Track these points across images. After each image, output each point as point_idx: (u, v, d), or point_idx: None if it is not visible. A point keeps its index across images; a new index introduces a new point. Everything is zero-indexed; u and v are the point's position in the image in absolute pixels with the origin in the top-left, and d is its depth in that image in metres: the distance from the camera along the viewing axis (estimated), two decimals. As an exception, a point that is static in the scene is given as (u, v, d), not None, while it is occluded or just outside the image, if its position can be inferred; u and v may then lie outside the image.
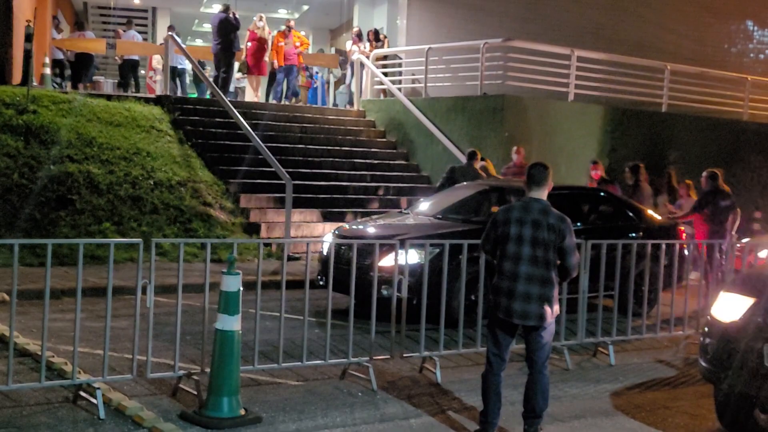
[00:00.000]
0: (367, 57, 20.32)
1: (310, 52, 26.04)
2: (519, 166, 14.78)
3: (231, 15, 19.15)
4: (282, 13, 30.07)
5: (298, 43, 21.19)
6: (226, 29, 19.07)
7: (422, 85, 18.91)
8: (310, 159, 16.94)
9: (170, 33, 20.27)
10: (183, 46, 19.76)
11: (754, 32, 24.23)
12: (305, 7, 28.96)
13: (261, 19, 20.06)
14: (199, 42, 34.23)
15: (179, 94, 20.47)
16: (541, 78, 17.46)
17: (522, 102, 17.07)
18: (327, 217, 15.31)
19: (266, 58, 20.37)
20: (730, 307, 6.62)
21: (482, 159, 14.80)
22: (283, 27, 21.75)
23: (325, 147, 17.65)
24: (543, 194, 6.34)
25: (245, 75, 20.97)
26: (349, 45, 21.68)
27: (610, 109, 18.17)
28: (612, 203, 11.88)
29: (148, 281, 6.58)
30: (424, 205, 11.93)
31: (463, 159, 15.32)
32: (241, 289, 6.44)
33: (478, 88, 17.30)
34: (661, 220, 12.29)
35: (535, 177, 6.33)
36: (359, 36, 21.49)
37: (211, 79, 18.51)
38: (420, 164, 18.06)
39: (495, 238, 6.37)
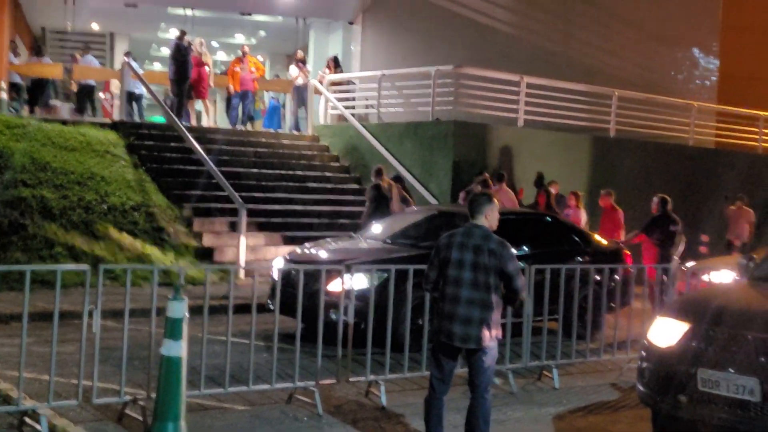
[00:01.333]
0: (321, 82, 20.46)
1: (267, 77, 26.18)
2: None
3: (185, 42, 19.16)
4: (239, 39, 30.12)
5: (253, 69, 21.22)
6: (181, 55, 19.06)
7: (375, 110, 19.05)
8: (264, 183, 16.96)
9: (126, 59, 20.25)
10: (139, 71, 19.74)
11: (699, 59, 24.74)
12: (262, 33, 29.06)
13: (201, 44, 20.06)
14: (157, 66, 34.17)
15: (136, 118, 20.41)
16: (491, 104, 17.67)
17: (472, 127, 17.26)
18: (280, 241, 15.31)
19: (211, 83, 20.37)
20: (665, 332, 6.73)
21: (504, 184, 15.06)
22: (239, 53, 21.82)
23: (279, 171, 17.68)
24: (484, 222, 6.45)
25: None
26: (293, 70, 21.73)
27: (559, 135, 18.42)
28: (558, 228, 12.03)
29: (95, 307, 6.56)
30: (375, 229, 12.00)
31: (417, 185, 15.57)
32: (187, 315, 6.44)
33: (430, 113, 17.47)
34: (606, 243, 12.47)
35: (477, 206, 6.46)
36: (303, 61, 21.56)
37: (167, 105, 18.48)
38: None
39: (439, 263, 6.46)
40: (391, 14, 22.13)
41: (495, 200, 6.57)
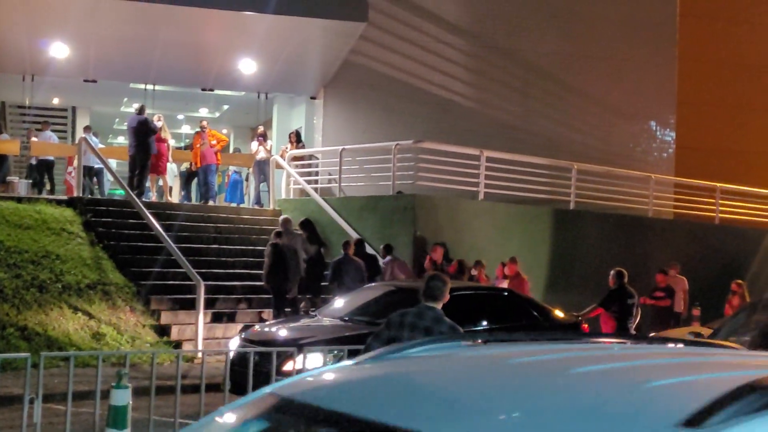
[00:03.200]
0: (283, 156, 20.57)
1: (230, 149, 26.27)
2: (436, 263, 15.05)
3: (149, 118, 19.24)
4: (203, 113, 30.27)
5: (214, 141, 21.27)
6: (143, 132, 19.09)
7: (337, 184, 19.15)
8: (224, 259, 16.87)
9: (84, 135, 20.27)
10: (96, 147, 19.73)
11: (656, 132, 25.22)
12: (225, 107, 29.21)
13: (159, 119, 20.16)
14: (121, 140, 34.16)
15: (96, 193, 20.31)
16: (451, 177, 17.84)
17: (432, 201, 17.38)
18: (240, 317, 15.17)
19: (170, 158, 20.41)
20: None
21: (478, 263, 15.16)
22: (198, 128, 21.91)
23: (239, 247, 17.61)
24: (438, 304, 6.51)
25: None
26: (254, 146, 21.82)
27: (519, 207, 18.59)
28: (516, 302, 12.05)
29: (35, 396, 6.42)
30: (333, 306, 11.95)
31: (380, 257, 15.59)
32: (130, 402, 6.33)
33: (391, 187, 17.58)
34: (564, 317, 12.50)
35: (432, 290, 6.51)
36: (263, 136, 21.69)
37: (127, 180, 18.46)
38: (335, 263, 18.15)
39: (387, 339, 6.45)
40: (352, 89, 22.37)
41: (449, 282, 6.63)
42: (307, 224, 16.79)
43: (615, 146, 24.31)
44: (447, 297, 6.57)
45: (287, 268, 14.52)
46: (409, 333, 6.36)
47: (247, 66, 21.96)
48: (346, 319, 11.14)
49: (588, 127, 24.09)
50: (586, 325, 12.68)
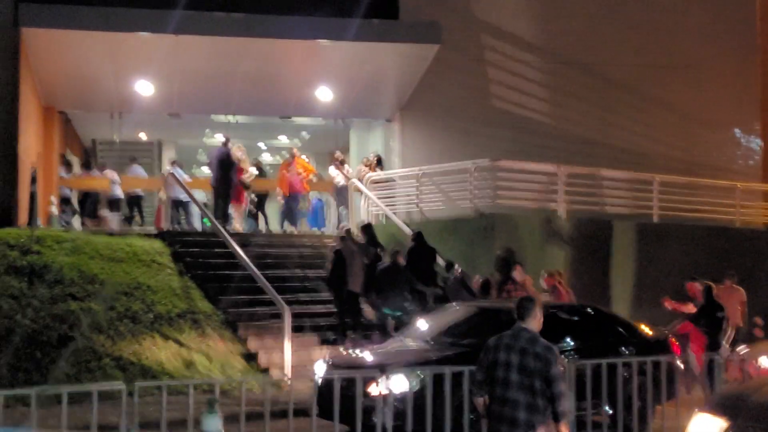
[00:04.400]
0: (361, 180, 20.88)
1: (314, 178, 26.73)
2: (520, 284, 15.07)
3: (230, 150, 19.77)
4: (283, 141, 30.82)
5: (301, 170, 21.64)
6: (224, 164, 19.62)
7: (416, 207, 19.33)
8: (308, 285, 17.19)
9: (170, 168, 20.89)
10: (182, 179, 20.32)
11: (741, 139, 24.69)
12: (304, 134, 29.69)
13: (240, 150, 20.69)
14: (205, 170, 34.97)
15: (185, 225, 20.89)
16: (530, 196, 17.85)
17: (512, 220, 17.40)
18: (325, 342, 15.43)
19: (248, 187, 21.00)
20: (704, 428, 6.65)
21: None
22: (287, 155, 22.31)
23: (323, 272, 17.92)
24: (531, 324, 6.79)
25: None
26: (332, 171, 22.12)
27: (600, 223, 18.43)
28: (601, 319, 11.96)
29: (132, 426, 6.71)
30: (417, 328, 12.07)
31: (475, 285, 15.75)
32: (222, 429, 6.55)
33: (470, 207, 17.65)
34: (652, 333, 12.34)
35: (523, 310, 6.81)
36: (342, 162, 21.98)
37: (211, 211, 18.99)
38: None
39: (487, 364, 6.71)
40: (427, 111, 22.54)
41: (538, 302, 6.93)
42: (366, 229, 17.22)
43: (698, 156, 23.87)
44: (540, 316, 6.84)
45: (346, 270, 15.56)
46: (506, 354, 6.65)
47: (324, 93, 22.34)
48: (430, 341, 11.24)
49: (670, 138, 23.73)
50: (675, 341, 12.51)
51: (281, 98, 22.78)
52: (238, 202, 20.72)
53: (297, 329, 15.26)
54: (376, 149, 24.34)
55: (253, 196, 22.60)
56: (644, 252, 18.66)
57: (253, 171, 21.06)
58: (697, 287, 14.34)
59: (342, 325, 15.67)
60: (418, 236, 16.53)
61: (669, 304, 14.86)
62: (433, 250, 16.66)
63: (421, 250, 16.38)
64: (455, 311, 12.34)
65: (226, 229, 17.66)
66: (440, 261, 16.63)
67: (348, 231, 16.95)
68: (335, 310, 15.91)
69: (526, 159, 18.97)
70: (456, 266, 16.02)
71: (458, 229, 17.72)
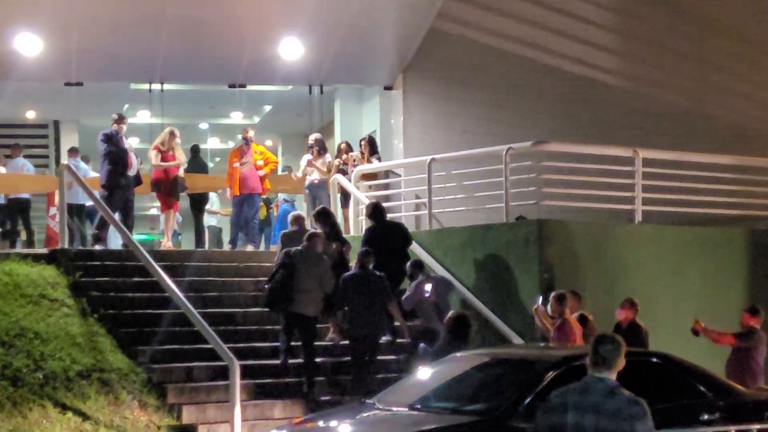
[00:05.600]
0: (345, 173, 21.17)
1: (279, 169, 26.77)
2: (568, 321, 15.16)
3: (117, 134, 19.89)
4: (236, 119, 31.04)
5: (260, 162, 21.73)
6: (114, 155, 19.76)
7: (426, 211, 19.48)
8: (268, 328, 17.31)
9: (70, 159, 21.05)
10: (86, 176, 20.49)
11: None
12: (266, 108, 29.87)
13: (173, 136, 20.83)
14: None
15: (94, 244, 20.92)
16: (591, 193, 18.00)
17: (566, 228, 17.56)
18: (289, 408, 15.54)
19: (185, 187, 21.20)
20: None
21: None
22: (240, 139, 22.34)
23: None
24: (611, 374, 7.03)
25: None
26: (303, 161, 22.25)
27: (697, 231, 18.55)
28: (672, 371, 11.90)
29: None
30: (397, 390, 12.06)
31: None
32: None
33: (503, 211, 17.84)
34: (747, 391, 12.37)
35: (602, 356, 7.05)
36: (320, 147, 22.06)
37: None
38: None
39: (550, 428, 6.96)
40: (442, 72, 22.73)
41: (623, 344, 7.14)
42: (323, 217, 17.72)
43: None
44: (622, 363, 7.08)
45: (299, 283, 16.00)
46: (574, 415, 6.88)
47: (292, 49, 22.51)
48: (418, 406, 11.27)
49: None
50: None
51: (230, 58, 22.98)
52: (167, 207, 20.88)
53: (254, 392, 15.43)
54: (372, 129, 24.50)
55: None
56: (761, 268, 18.72)
57: (181, 158, 21.09)
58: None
59: (284, 368, 16.11)
60: (375, 210, 17.34)
61: (700, 328, 15.19)
62: (406, 236, 17.56)
63: (384, 236, 17.36)
64: (454, 363, 12.26)
65: (149, 250, 17.81)
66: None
67: (300, 219, 17.85)
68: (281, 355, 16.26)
69: (584, 140, 19.10)
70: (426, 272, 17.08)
71: (486, 242, 17.84)
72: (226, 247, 22.36)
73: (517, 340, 16.45)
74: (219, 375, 15.40)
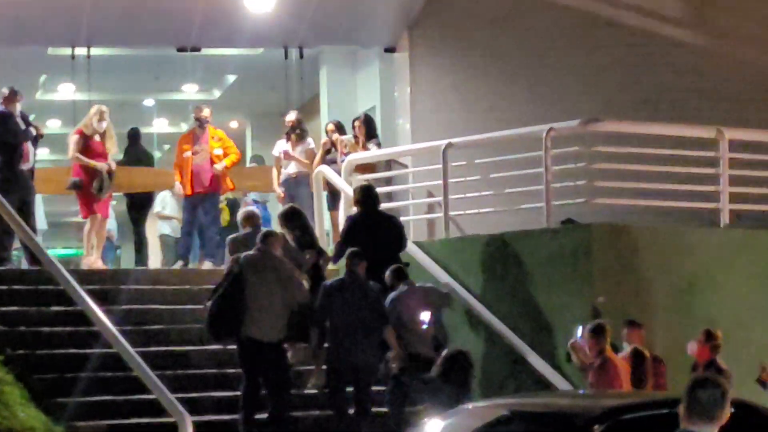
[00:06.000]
0: (333, 165, 21.03)
1: (247, 160, 26.72)
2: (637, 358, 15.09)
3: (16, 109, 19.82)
4: (190, 94, 30.97)
5: (219, 151, 21.65)
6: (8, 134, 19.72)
7: (441, 214, 19.37)
8: (231, 371, 17.22)
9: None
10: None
11: None
12: (230, 79, 29.81)
13: (101, 115, 20.72)
14: (42, 153, 34.99)
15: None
16: (661, 187, 17.90)
17: (628, 235, 17.47)
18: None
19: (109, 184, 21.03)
20: None
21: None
22: (194, 122, 22.28)
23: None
24: (713, 428, 7.04)
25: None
26: (277, 148, 22.29)
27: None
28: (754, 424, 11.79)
29: None
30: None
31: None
32: None
33: (543, 214, 17.76)
34: None
35: (704, 404, 7.03)
36: (299, 130, 21.95)
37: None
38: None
39: None
40: (460, 26, 22.60)
41: (729, 389, 7.12)
42: (292, 218, 18.02)
43: None
44: (727, 414, 7.05)
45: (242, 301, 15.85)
46: None
47: (260, -1, 22.48)
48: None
49: None
50: None
51: (179, 12, 22.95)
52: (90, 212, 20.77)
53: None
54: (370, 105, 24.45)
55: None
56: None
57: (112, 148, 21.01)
58: None
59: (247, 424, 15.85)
60: (366, 194, 17.61)
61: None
62: (399, 233, 17.74)
63: (368, 229, 17.47)
64: (462, 417, 12.15)
65: (67, 268, 17.71)
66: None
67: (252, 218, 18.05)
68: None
69: (649, 118, 19.02)
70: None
71: (521, 255, 17.75)
72: (177, 264, 22.12)
73: (564, 384, 16.29)
74: (166, 433, 15.30)
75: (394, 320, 16.49)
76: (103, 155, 20.82)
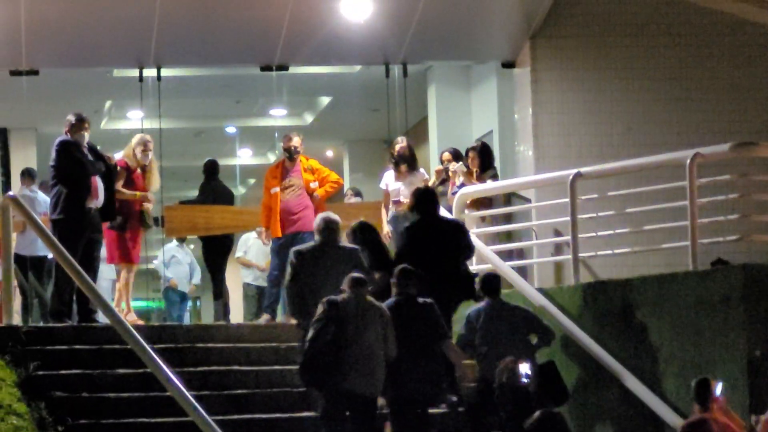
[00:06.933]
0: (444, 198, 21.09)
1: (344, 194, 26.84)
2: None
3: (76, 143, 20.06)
4: (278, 119, 31.08)
5: (314, 183, 21.70)
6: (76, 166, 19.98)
7: (569, 255, 19.42)
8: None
9: (24, 190, 21.28)
10: (41, 212, 20.71)
11: None
12: (324, 101, 29.89)
13: (146, 146, 20.98)
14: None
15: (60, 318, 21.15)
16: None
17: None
18: None
19: (149, 223, 21.27)
20: None
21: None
22: (284, 150, 22.37)
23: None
24: None
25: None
26: (385, 180, 22.39)
27: None
28: None
29: None
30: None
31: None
32: None
33: (689, 254, 17.80)
34: None
35: None
36: (409, 159, 22.08)
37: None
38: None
39: None
40: (591, 34, 22.65)
41: None
42: (363, 231, 18.40)
43: None
44: None
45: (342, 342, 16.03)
46: None
47: (357, 7, 22.56)
48: None
49: None
50: None
51: (262, 25, 23.16)
52: (125, 260, 21.11)
53: None
54: (486, 130, 24.52)
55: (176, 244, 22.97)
56: None
57: (155, 184, 21.27)
58: None
59: None
60: (424, 197, 17.89)
61: None
62: (464, 236, 17.95)
63: (428, 236, 17.65)
64: None
65: (134, 325, 17.95)
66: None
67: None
68: None
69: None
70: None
71: (663, 302, 17.74)
72: (262, 318, 22.24)
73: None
74: None
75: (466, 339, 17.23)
76: (137, 187, 21.22)
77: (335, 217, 17.92)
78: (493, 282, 17.61)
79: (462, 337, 17.38)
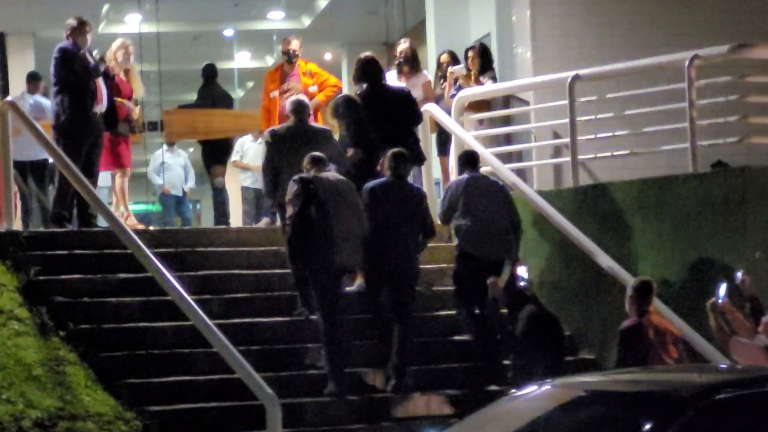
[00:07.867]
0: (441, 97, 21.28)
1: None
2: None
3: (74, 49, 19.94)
4: (276, 21, 31.04)
5: (313, 87, 21.70)
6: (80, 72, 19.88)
7: (568, 157, 19.39)
8: (308, 345, 17.35)
9: (21, 96, 21.21)
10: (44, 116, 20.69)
11: None
12: (322, 4, 29.82)
13: (126, 50, 20.91)
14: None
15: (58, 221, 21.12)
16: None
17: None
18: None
19: (136, 130, 21.25)
20: None
21: None
22: (282, 54, 22.31)
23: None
24: None
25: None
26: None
27: None
28: None
29: None
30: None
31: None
32: None
33: (688, 156, 17.76)
34: None
35: None
36: (411, 61, 22.07)
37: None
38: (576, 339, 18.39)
39: None
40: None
41: None
42: (349, 105, 18.52)
43: None
44: None
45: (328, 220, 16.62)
46: None
47: None
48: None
49: None
50: None
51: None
52: (114, 165, 21.22)
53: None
54: (484, 32, 24.42)
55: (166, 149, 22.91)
56: None
57: (138, 90, 21.23)
58: None
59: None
60: (368, 66, 18.61)
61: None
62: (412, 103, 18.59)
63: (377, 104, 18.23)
64: (532, 400, 12.06)
65: (135, 229, 17.92)
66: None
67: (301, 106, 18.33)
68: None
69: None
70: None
71: (664, 205, 17.75)
72: (262, 222, 22.24)
73: (716, 355, 16.20)
74: (253, 420, 15.43)
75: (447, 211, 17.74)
76: (129, 98, 21.27)
77: (306, 99, 18.80)
78: (472, 155, 18.03)
79: (444, 209, 17.79)
